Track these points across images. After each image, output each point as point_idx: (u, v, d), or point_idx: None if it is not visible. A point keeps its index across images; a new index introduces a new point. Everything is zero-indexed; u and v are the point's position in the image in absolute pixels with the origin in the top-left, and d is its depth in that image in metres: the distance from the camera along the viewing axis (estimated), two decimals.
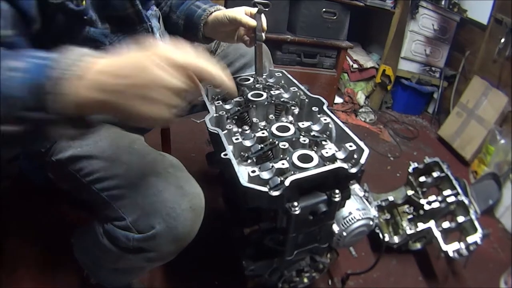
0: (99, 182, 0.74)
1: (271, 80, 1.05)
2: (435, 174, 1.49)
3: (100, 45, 0.75)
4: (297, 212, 0.70)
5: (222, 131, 0.81)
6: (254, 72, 1.09)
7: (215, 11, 0.98)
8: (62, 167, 0.78)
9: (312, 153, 0.76)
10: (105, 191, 0.73)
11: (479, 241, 1.30)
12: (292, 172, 0.71)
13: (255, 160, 0.78)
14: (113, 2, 0.74)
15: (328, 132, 0.86)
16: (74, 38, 0.70)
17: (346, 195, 0.80)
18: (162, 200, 0.69)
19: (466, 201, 1.39)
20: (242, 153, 0.79)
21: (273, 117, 0.90)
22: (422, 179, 1.50)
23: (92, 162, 0.75)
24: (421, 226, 1.38)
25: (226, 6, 2.45)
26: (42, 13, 0.64)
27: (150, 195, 0.70)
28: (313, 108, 0.89)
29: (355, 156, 0.76)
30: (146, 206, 0.69)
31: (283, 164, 0.71)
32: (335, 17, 2.38)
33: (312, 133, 0.85)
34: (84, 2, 0.66)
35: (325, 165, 0.72)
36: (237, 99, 0.92)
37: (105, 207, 0.73)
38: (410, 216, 1.48)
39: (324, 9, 2.33)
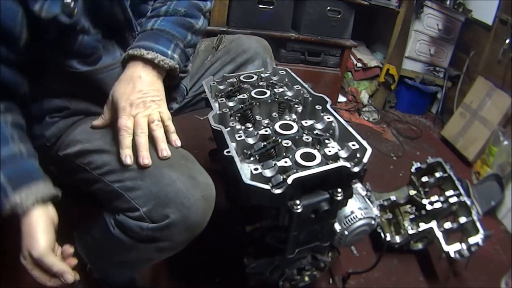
0: (110, 174, 0.74)
1: (274, 78, 1.05)
2: (437, 174, 1.49)
3: (94, 51, 0.76)
4: (299, 211, 0.70)
5: (225, 128, 0.82)
6: (257, 69, 1.10)
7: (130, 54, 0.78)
8: (69, 162, 0.79)
9: (315, 152, 0.76)
10: (118, 182, 0.73)
11: (480, 242, 1.29)
12: (295, 170, 0.71)
13: (257, 157, 0.79)
14: (104, 9, 0.74)
15: (331, 131, 0.86)
16: (69, 47, 0.72)
17: (348, 194, 0.80)
18: (176, 190, 0.70)
19: (468, 202, 1.38)
20: (245, 150, 0.79)
21: (276, 115, 0.90)
22: (424, 179, 1.50)
23: (103, 155, 0.75)
24: (423, 226, 1.37)
25: (230, 8, 2.41)
26: (33, 27, 0.65)
27: (164, 185, 0.70)
28: (317, 107, 0.89)
29: (358, 155, 0.76)
30: (161, 196, 0.70)
31: (285, 162, 0.71)
32: (339, 16, 2.37)
33: (315, 132, 0.85)
34: (75, 12, 0.67)
35: (328, 164, 0.72)
36: (241, 96, 0.92)
37: (117, 198, 0.73)
38: (412, 216, 1.48)
39: (328, 8, 2.32)
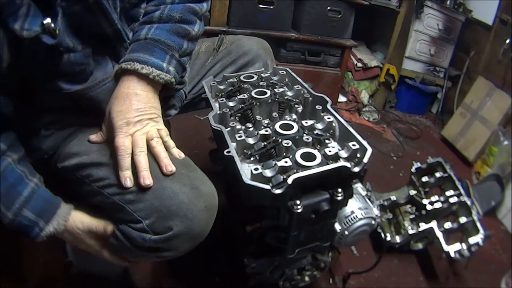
0: (110, 187, 0.73)
1: (275, 78, 1.05)
2: (438, 174, 1.48)
3: (83, 67, 0.73)
4: (299, 211, 0.70)
5: (226, 128, 0.82)
6: (257, 70, 1.09)
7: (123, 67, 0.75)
8: (68, 174, 0.78)
9: (315, 152, 0.76)
10: (118, 195, 0.72)
11: (480, 242, 1.29)
12: (295, 170, 0.71)
13: (258, 157, 0.79)
14: (89, 24, 0.71)
15: (331, 131, 0.86)
16: (55, 67, 0.69)
17: (349, 194, 0.80)
18: (179, 202, 0.69)
19: (469, 202, 1.38)
20: (245, 150, 0.79)
21: (277, 115, 0.90)
22: (424, 179, 1.50)
23: (102, 169, 0.74)
24: (423, 226, 1.37)
25: (231, 8, 2.41)
26: (15, 48, 0.63)
27: (166, 198, 0.69)
28: (317, 107, 0.89)
29: (358, 155, 0.76)
30: (163, 209, 0.69)
31: (286, 162, 0.71)
32: (340, 16, 2.37)
33: (316, 132, 0.85)
34: (57, 31, 0.63)
35: (328, 164, 0.72)
36: (241, 96, 0.92)
37: (118, 210, 0.72)
38: (412, 216, 1.48)
39: (329, 8, 2.32)
